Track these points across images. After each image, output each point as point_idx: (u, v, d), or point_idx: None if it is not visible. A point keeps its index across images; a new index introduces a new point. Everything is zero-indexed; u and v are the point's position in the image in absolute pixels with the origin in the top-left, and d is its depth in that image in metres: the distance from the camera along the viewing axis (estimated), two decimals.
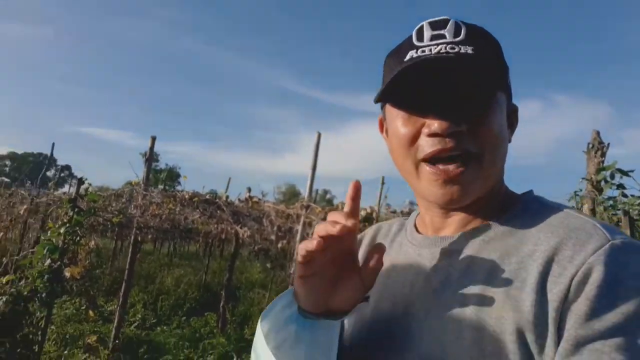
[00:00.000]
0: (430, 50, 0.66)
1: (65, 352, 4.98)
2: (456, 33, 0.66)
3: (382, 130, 0.79)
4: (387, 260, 0.74)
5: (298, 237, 4.29)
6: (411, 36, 0.70)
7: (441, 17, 0.68)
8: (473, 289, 0.62)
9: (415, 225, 0.81)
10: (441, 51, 0.65)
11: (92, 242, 4.78)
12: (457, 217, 0.72)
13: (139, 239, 4.95)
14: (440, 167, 0.66)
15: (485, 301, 0.60)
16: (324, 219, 0.84)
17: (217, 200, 5.04)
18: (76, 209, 4.45)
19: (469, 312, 0.61)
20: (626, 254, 0.57)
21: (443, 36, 0.66)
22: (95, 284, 7.56)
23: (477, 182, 0.66)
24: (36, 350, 4.08)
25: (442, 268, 0.68)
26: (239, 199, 5.66)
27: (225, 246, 14.01)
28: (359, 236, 0.90)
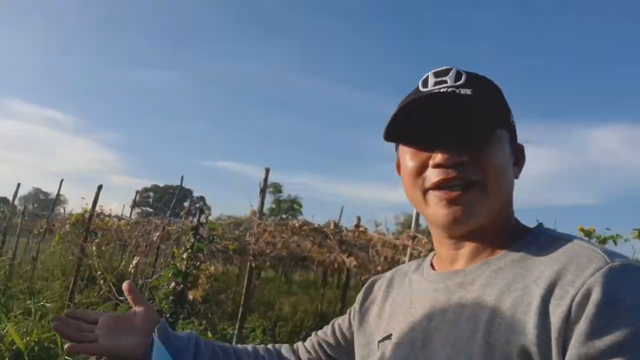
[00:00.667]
0: (433, 92, 0.74)
1: None
2: (457, 78, 0.74)
3: (398, 172, 0.84)
4: (407, 298, 0.83)
5: None
6: (418, 85, 0.78)
7: (445, 67, 0.77)
8: (483, 317, 0.67)
9: (432, 264, 0.86)
10: (441, 91, 0.73)
11: (212, 268, 5.13)
12: (468, 248, 0.77)
13: (253, 265, 5.19)
14: (445, 191, 0.72)
15: (493, 327, 0.64)
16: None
17: (325, 229, 5.14)
18: (197, 236, 4.81)
19: (479, 338, 0.65)
20: (624, 274, 0.61)
21: (445, 82, 0.74)
22: (219, 308, 8.04)
23: (480, 205, 0.72)
24: None
25: (455, 300, 0.73)
26: (346, 228, 5.72)
27: (340, 275, 14.12)
28: (379, 277, 0.99)
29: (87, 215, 7.99)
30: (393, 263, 4.58)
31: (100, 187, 8.26)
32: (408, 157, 0.77)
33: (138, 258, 6.97)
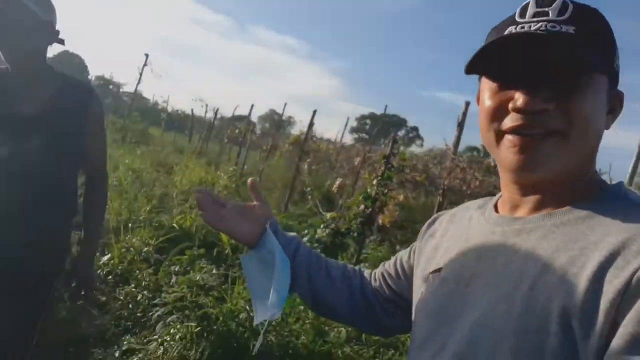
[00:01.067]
0: (530, 27, 0.66)
1: None
2: (561, 12, 0.66)
3: (477, 102, 0.77)
4: (464, 236, 0.81)
5: None
6: (515, 12, 0.70)
7: None
8: (532, 269, 0.63)
9: (496, 205, 0.81)
10: (540, 28, 0.65)
11: (401, 197, 5.30)
12: (533, 197, 0.71)
13: (441, 200, 5.19)
14: (520, 136, 0.66)
15: (539, 282, 0.61)
16: None
17: None
18: (388, 165, 5.01)
19: (523, 289, 0.62)
20: None
21: (546, 13, 0.66)
22: (416, 236, 8.31)
23: (557, 157, 0.65)
24: None
25: (509, 247, 0.69)
26: None
27: None
28: (444, 212, 0.97)
29: (302, 137, 8.92)
30: None
31: (314, 112, 9.05)
32: (487, 94, 0.71)
33: (340, 179, 7.59)
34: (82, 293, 1.81)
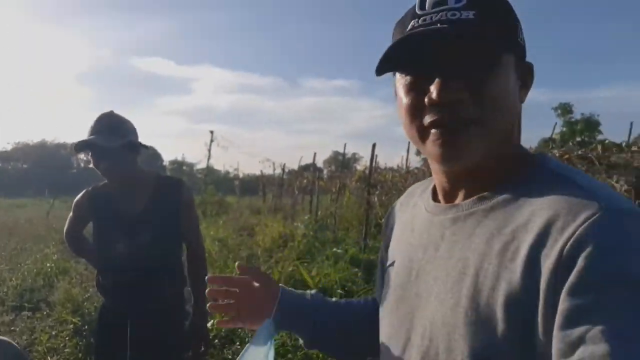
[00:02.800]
0: (432, 18, 0.67)
1: None
2: None
3: (395, 98, 0.78)
4: (409, 225, 0.84)
5: None
6: (415, 4, 0.70)
7: None
8: (472, 259, 0.66)
9: (435, 190, 0.82)
10: (441, 19, 0.66)
11: None
12: (463, 183, 0.74)
13: None
14: (440, 130, 0.68)
15: (481, 271, 0.63)
16: None
17: (590, 154, 4.53)
18: None
19: (467, 281, 0.65)
20: (620, 221, 0.55)
21: (445, 2, 0.67)
22: None
23: (478, 143, 0.67)
24: None
25: (448, 237, 0.72)
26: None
27: None
28: (395, 204, 0.98)
29: (366, 171, 9.10)
30: None
31: (374, 146, 9.22)
32: (403, 91, 0.71)
33: None
34: (202, 349, 2.15)
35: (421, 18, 0.68)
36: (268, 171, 20.29)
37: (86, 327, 3.85)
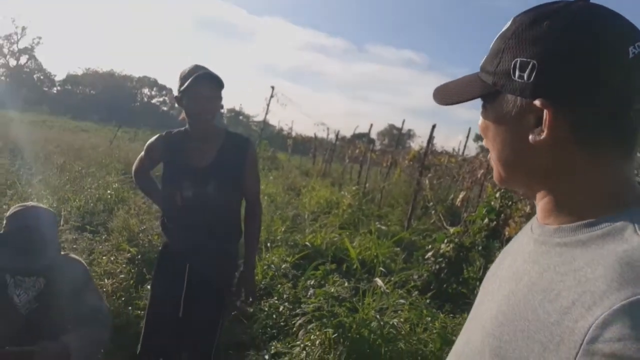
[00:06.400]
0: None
1: None
2: None
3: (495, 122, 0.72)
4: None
5: None
6: None
7: None
8: (526, 278, 0.63)
9: None
10: None
11: (528, 208, 5.17)
12: (538, 207, 0.69)
13: None
14: None
15: (527, 294, 0.61)
16: None
17: None
18: None
19: (512, 298, 0.63)
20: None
21: None
22: None
23: (495, 174, 0.72)
24: (474, 291, 4.92)
25: (523, 253, 0.69)
26: None
27: None
28: None
29: (422, 152, 9.02)
30: None
31: (433, 127, 9.07)
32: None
33: (464, 192, 7.54)
34: (250, 300, 2.32)
35: None
36: (322, 134, 20.38)
37: (139, 257, 4.12)
